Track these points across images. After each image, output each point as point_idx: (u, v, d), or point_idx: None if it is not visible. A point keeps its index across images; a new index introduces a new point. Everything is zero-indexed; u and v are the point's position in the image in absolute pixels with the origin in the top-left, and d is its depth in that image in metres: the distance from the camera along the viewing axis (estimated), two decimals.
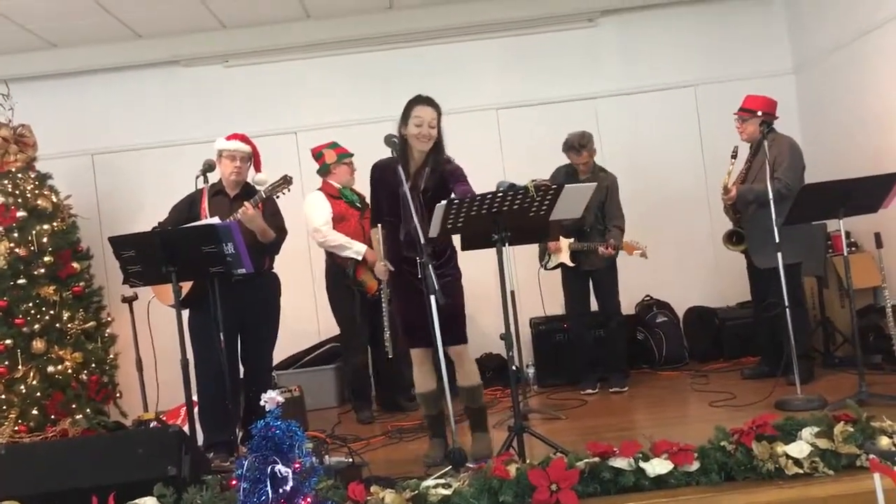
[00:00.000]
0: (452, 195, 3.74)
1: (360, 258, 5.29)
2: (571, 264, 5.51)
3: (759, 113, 5.03)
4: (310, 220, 5.42)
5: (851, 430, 3.07)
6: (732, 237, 5.27)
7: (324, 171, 5.53)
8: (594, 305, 5.74)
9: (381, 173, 3.95)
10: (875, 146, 5.67)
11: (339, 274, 5.39)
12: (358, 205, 5.47)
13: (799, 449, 3.03)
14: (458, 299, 4.01)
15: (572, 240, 5.47)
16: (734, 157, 5.16)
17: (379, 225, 4.08)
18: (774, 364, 5.08)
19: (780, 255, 4.41)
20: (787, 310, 4.44)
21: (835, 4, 6.06)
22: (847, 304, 5.00)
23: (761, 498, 2.94)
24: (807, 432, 3.10)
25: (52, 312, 5.65)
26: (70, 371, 5.63)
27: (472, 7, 6.67)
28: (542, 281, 5.84)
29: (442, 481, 3.07)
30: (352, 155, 5.53)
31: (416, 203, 3.72)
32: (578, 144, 5.41)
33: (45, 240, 5.71)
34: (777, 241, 4.41)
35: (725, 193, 5.12)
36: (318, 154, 5.57)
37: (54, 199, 5.93)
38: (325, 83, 6.82)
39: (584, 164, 5.46)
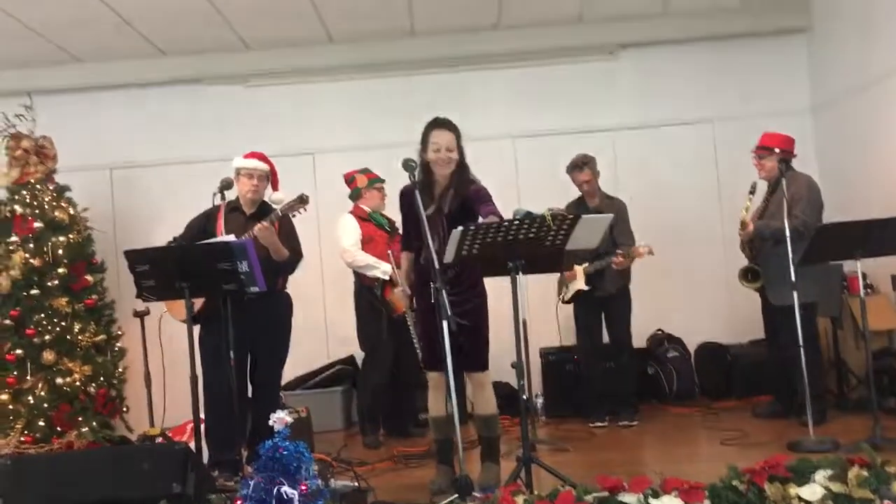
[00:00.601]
0: (480, 218, 3.73)
1: (386, 278, 5.31)
2: (587, 287, 5.49)
3: (777, 150, 5.02)
4: (339, 241, 5.48)
5: (866, 474, 3.02)
6: (748, 274, 5.24)
7: (355, 195, 5.59)
8: (605, 338, 5.70)
9: (406, 199, 3.97)
10: (892, 188, 5.64)
11: (367, 294, 5.42)
12: (387, 228, 5.51)
13: (812, 492, 2.98)
14: (482, 325, 3.99)
15: (586, 264, 5.46)
16: (752, 192, 5.15)
17: (405, 252, 4.11)
18: (787, 404, 5.03)
19: (795, 293, 4.38)
20: (802, 349, 4.39)
21: (856, 46, 6.06)
22: (862, 346, 4.95)
23: None
24: (820, 475, 3.05)
25: (63, 324, 5.66)
26: (78, 383, 5.63)
27: (493, 36, 6.73)
28: (561, 312, 5.81)
29: None
30: (383, 181, 5.58)
31: (440, 227, 3.73)
32: (581, 162, 5.51)
33: (60, 251, 5.74)
34: (793, 279, 4.38)
35: (742, 229, 5.11)
36: (349, 179, 5.63)
37: (71, 212, 5.97)
38: (345, 106, 6.87)
39: (585, 182, 5.52)
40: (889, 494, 2.82)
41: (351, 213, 5.57)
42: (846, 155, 6.29)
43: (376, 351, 5.47)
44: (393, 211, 5.40)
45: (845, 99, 6.25)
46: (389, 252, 5.31)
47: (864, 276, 4.84)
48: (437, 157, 3.86)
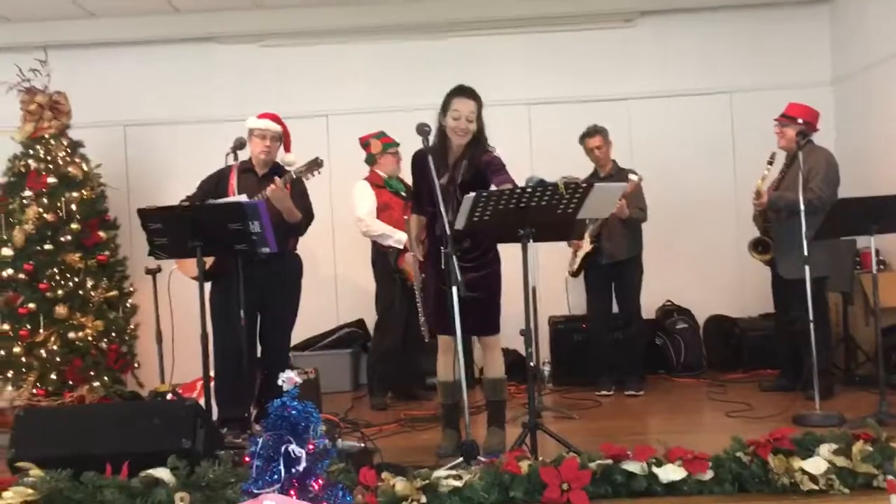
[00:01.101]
0: (492, 187, 3.71)
1: (400, 247, 5.32)
2: (590, 247, 5.48)
3: (800, 121, 4.97)
4: (354, 210, 5.48)
5: (870, 449, 3.03)
6: (758, 246, 5.22)
7: (370, 160, 5.58)
8: (615, 308, 5.70)
9: (419, 164, 3.92)
10: None
11: (383, 261, 5.45)
12: (403, 194, 5.50)
13: (816, 465, 3.00)
14: (495, 291, 4.02)
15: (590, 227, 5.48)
16: (771, 162, 5.10)
17: (415, 214, 4.11)
18: (794, 378, 5.03)
19: (807, 267, 4.36)
20: (811, 324, 4.39)
21: (878, 18, 5.96)
22: (872, 322, 4.93)
23: None
24: (824, 449, 3.07)
25: (76, 279, 5.70)
26: (90, 338, 5.68)
27: (511, 1, 6.64)
28: (570, 282, 5.81)
29: (453, 473, 3.08)
30: (398, 144, 5.55)
31: (452, 195, 3.72)
32: (593, 130, 5.53)
33: (73, 207, 5.76)
34: (806, 253, 4.36)
35: (757, 198, 5.07)
36: (364, 143, 5.61)
37: (85, 168, 5.97)
38: (359, 69, 6.81)
39: (597, 148, 5.51)
40: (892, 469, 2.84)
41: (366, 179, 5.56)
42: (865, 129, 6.21)
43: (388, 316, 5.50)
44: (409, 175, 5.43)
45: (866, 72, 6.16)
46: (406, 218, 5.30)
47: (878, 253, 4.81)
48: (455, 124, 3.83)
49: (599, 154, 5.54)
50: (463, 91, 3.87)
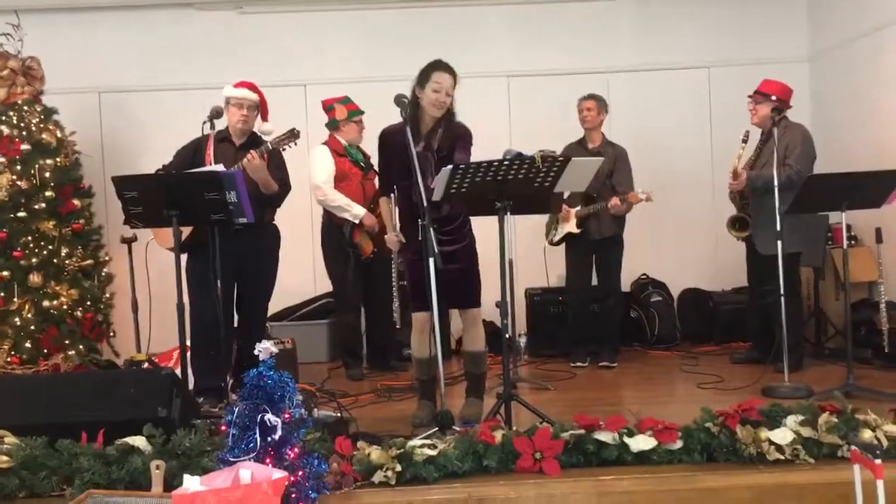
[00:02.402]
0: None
1: (356, 222, 5.30)
2: (577, 230, 5.52)
3: (774, 98, 5.00)
4: (312, 176, 5.41)
5: (836, 420, 3.11)
6: (736, 223, 5.27)
7: (332, 126, 5.50)
8: (594, 281, 5.75)
9: (391, 139, 3.90)
10: (884, 141, 5.65)
11: (336, 232, 5.40)
12: (362, 164, 5.46)
13: (782, 435, 3.07)
14: (473, 264, 4.04)
15: (579, 207, 5.48)
16: (745, 141, 5.14)
17: (392, 195, 4.08)
18: (764, 351, 5.11)
19: (780, 242, 4.42)
20: (783, 298, 4.46)
21: None
22: (842, 297, 5.02)
23: (741, 481, 2.99)
24: (791, 420, 3.14)
25: (50, 247, 5.65)
26: (65, 307, 5.65)
27: None
28: (548, 253, 5.85)
29: (428, 442, 3.11)
30: (362, 112, 5.50)
31: (430, 164, 3.73)
32: (591, 95, 5.55)
33: (47, 174, 5.69)
34: (779, 228, 4.42)
35: (734, 178, 5.10)
36: (328, 107, 5.52)
37: (59, 135, 5.89)
38: (338, 38, 6.76)
39: (588, 110, 5.52)
40: (857, 440, 2.90)
41: (326, 144, 5.47)
42: (840, 105, 6.28)
43: (344, 291, 5.49)
44: (369, 145, 5.40)
45: (842, 49, 6.22)
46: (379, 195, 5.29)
47: (849, 228, 4.88)
48: (435, 97, 3.82)
49: (587, 116, 5.53)
50: (443, 65, 3.87)
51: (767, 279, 4.87)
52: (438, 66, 3.87)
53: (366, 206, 5.34)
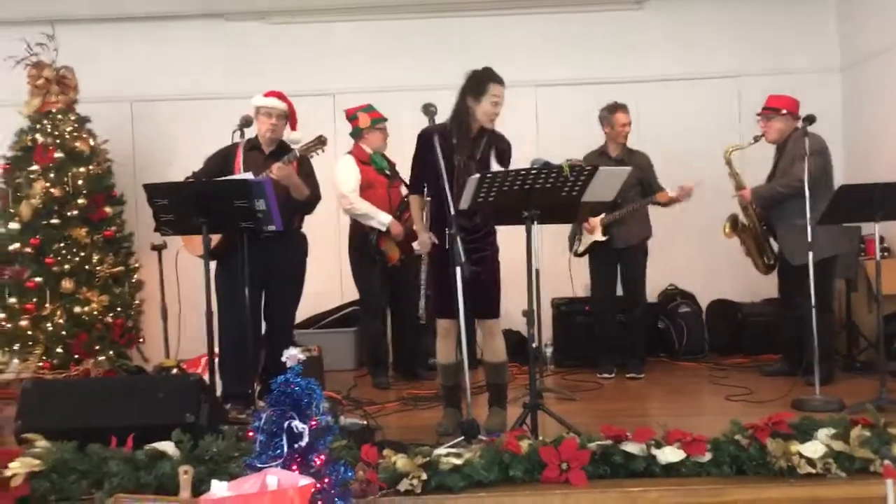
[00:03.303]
0: None
1: (383, 228, 5.31)
2: (603, 238, 5.49)
3: (784, 112, 4.99)
4: (338, 185, 5.43)
5: (868, 434, 3.06)
6: (727, 225, 5.37)
7: (356, 134, 5.53)
8: (619, 291, 5.71)
9: (440, 140, 3.72)
10: None
11: (363, 240, 5.41)
12: (387, 172, 5.48)
13: (813, 449, 3.02)
14: (494, 274, 4.03)
15: (603, 215, 5.45)
16: (756, 139, 5.15)
17: (423, 194, 4.03)
18: (795, 363, 5.04)
19: (810, 253, 4.38)
20: (814, 310, 4.40)
21: (888, 5, 5.92)
22: (874, 309, 4.94)
23: (771, 494, 2.95)
24: (823, 433, 3.09)
25: (82, 254, 5.74)
26: (96, 313, 5.73)
27: None
28: (573, 263, 5.82)
29: (454, 451, 3.10)
30: (385, 120, 5.51)
31: (468, 173, 3.64)
32: (623, 105, 5.53)
33: (80, 182, 5.79)
34: (810, 239, 4.38)
35: (738, 189, 5.19)
36: (352, 116, 5.54)
37: (92, 143, 5.99)
38: (365, 47, 6.80)
39: (628, 124, 5.51)
40: (889, 455, 2.86)
41: (351, 153, 5.49)
42: (872, 115, 6.19)
43: (370, 299, 5.50)
44: (393, 152, 5.42)
45: (874, 58, 6.14)
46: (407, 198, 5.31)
47: (881, 240, 4.81)
48: (493, 110, 3.86)
49: (626, 131, 5.52)
50: (498, 77, 3.89)
51: (798, 290, 4.82)
52: (495, 77, 3.88)
53: (392, 213, 5.35)
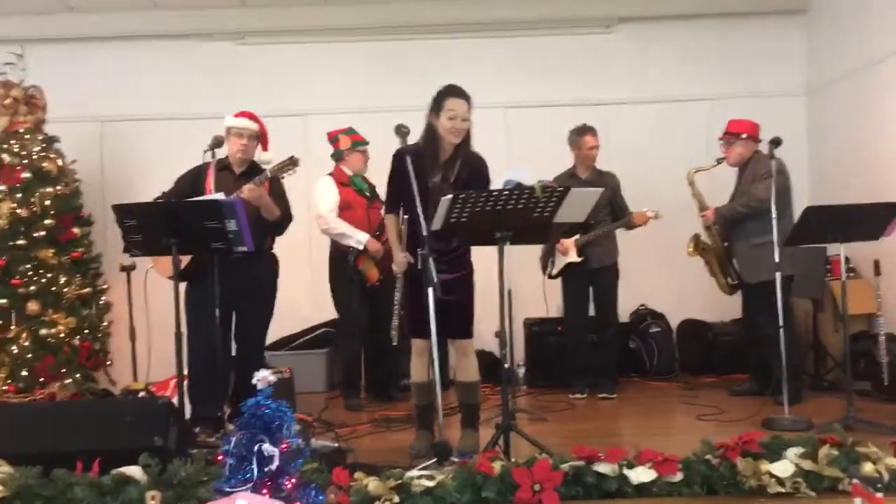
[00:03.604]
0: None
1: (360, 248, 5.30)
2: (579, 259, 5.52)
3: (744, 136, 5.11)
4: (316, 206, 5.44)
5: (836, 453, 3.09)
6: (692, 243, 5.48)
7: (337, 156, 5.55)
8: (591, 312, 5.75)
9: (413, 160, 3.69)
10: (881, 175, 5.68)
11: (341, 261, 5.40)
12: (367, 193, 5.49)
13: (783, 468, 3.05)
14: (468, 295, 4.03)
15: (577, 236, 5.48)
16: (719, 161, 5.29)
17: (403, 214, 3.99)
18: (763, 382, 5.09)
19: (778, 274, 4.44)
20: (781, 330, 4.45)
21: (853, 29, 6.06)
22: (841, 329, 5.01)
23: None
24: (792, 452, 3.12)
25: (49, 275, 5.66)
26: (63, 335, 5.64)
27: (490, 4, 6.69)
28: (547, 285, 5.84)
29: (426, 473, 3.08)
30: (366, 143, 5.54)
31: (442, 195, 3.58)
32: (591, 127, 5.58)
33: (47, 203, 5.71)
34: (777, 259, 4.44)
35: (701, 210, 5.30)
36: (333, 138, 5.57)
37: (60, 163, 5.93)
38: (338, 69, 6.81)
39: (595, 147, 5.58)
40: (857, 473, 2.88)
41: (331, 175, 5.51)
42: (838, 138, 6.31)
43: (347, 319, 5.49)
44: (374, 175, 5.43)
45: (839, 82, 6.26)
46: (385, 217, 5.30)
47: (847, 260, 4.89)
48: (452, 124, 3.80)
49: (593, 154, 5.57)
50: (456, 91, 3.85)
51: (758, 309, 4.89)
52: (451, 91, 3.85)
53: (371, 234, 5.36)
